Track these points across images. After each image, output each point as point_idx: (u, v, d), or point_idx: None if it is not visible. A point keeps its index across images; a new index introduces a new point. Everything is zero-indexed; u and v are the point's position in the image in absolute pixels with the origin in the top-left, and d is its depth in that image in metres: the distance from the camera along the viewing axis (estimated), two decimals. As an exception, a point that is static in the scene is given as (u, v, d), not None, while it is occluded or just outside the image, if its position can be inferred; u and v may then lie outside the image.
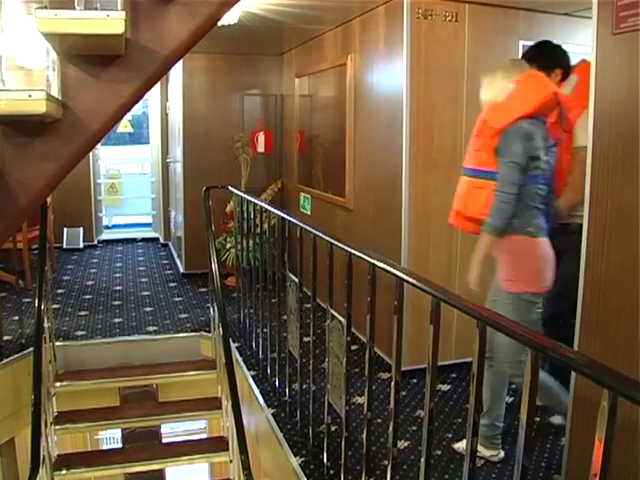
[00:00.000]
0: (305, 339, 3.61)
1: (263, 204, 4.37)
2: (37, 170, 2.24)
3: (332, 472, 3.18)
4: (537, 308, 3.13)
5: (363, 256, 2.51)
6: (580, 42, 4.08)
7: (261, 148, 7.17)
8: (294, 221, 3.64)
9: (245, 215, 4.89)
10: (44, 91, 1.81)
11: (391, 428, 2.45)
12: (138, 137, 14.78)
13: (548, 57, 3.61)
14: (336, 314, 2.84)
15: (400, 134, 4.20)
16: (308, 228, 3.29)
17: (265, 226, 4.67)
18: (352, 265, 2.74)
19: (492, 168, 3.05)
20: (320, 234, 3.07)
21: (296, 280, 3.51)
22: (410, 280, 2.15)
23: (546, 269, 3.11)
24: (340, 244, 2.79)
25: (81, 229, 8.98)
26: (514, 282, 3.12)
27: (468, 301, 1.88)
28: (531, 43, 3.84)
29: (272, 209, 4.19)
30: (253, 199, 4.55)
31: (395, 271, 2.25)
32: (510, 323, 1.77)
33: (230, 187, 5.15)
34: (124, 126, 10.80)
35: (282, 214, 3.93)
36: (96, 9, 2.00)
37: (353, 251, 2.63)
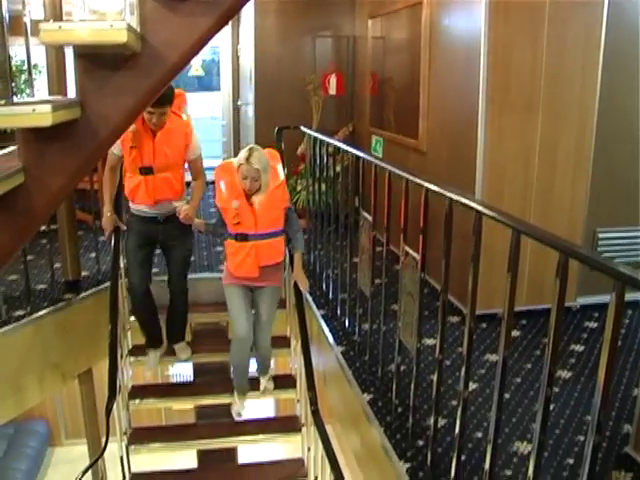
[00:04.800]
0: (376, 281, 3.62)
1: (336, 142, 4.35)
2: (116, 103, 2.27)
3: (400, 410, 3.21)
4: None
5: (440, 190, 2.48)
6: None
7: (333, 90, 7.11)
8: (368, 158, 3.62)
9: (317, 157, 4.88)
10: (125, 21, 1.83)
11: (463, 371, 2.44)
12: (208, 84, 14.79)
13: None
14: (410, 250, 2.82)
15: (477, 75, 4.09)
16: (383, 165, 3.26)
17: (337, 168, 4.65)
18: (428, 201, 2.70)
19: None
20: (396, 170, 3.04)
21: (369, 218, 3.50)
22: (489, 213, 2.11)
23: None
24: (417, 179, 2.75)
25: (153, 170, 9.08)
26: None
27: (549, 232, 1.83)
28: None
29: (346, 147, 4.16)
30: (326, 138, 4.53)
31: (474, 204, 2.21)
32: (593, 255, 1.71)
33: (302, 128, 5.14)
34: (195, 69, 10.82)
35: (356, 151, 3.90)
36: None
37: (430, 186, 2.59)
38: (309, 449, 4.23)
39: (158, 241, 4.33)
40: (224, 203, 3.81)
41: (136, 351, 4.69)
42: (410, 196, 3.00)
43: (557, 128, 4.20)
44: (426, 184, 2.63)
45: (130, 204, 4.29)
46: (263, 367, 4.43)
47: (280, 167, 3.94)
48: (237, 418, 4.38)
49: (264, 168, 3.66)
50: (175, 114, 4.08)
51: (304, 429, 4.41)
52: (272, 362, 4.46)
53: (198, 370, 4.95)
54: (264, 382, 4.48)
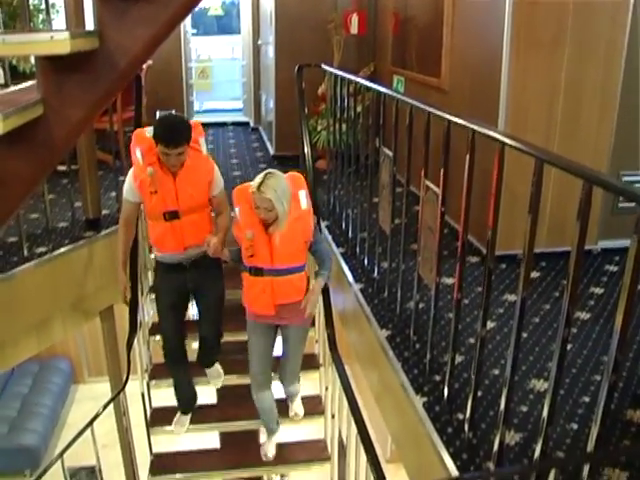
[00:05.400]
0: (396, 221, 3.61)
1: (358, 79, 4.29)
2: (134, 34, 2.26)
3: (418, 346, 3.24)
4: None
5: (462, 122, 2.44)
6: None
7: (354, 30, 6.97)
8: (390, 93, 3.56)
9: (338, 97, 4.82)
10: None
11: (482, 308, 2.44)
12: (228, 27, 14.65)
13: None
14: (431, 185, 2.80)
15: (502, 10, 3.98)
16: (405, 99, 3.21)
17: (358, 108, 4.60)
18: (450, 134, 2.67)
19: None
20: (418, 103, 2.99)
21: (390, 154, 3.47)
22: (512, 143, 2.08)
23: None
24: (439, 112, 2.71)
25: (173, 112, 9.06)
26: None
27: (573, 161, 1.80)
28: None
29: (367, 83, 4.10)
30: (347, 75, 4.46)
31: (496, 134, 2.18)
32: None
33: (323, 66, 5.07)
34: (214, 9, 10.69)
35: (378, 87, 3.84)
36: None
37: (452, 118, 2.55)
38: (327, 388, 4.30)
39: (189, 290, 3.94)
40: (239, 232, 3.44)
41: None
42: (431, 134, 2.97)
43: (584, 66, 4.10)
44: (448, 116, 2.59)
45: (155, 253, 4.00)
46: (289, 396, 4.24)
47: (304, 194, 3.45)
48: (265, 459, 4.21)
49: (279, 197, 3.19)
50: (194, 149, 3.64)
51: (322, 368, 4.48)
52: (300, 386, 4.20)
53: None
54: (293, 407, 4.31)
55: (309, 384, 4.96)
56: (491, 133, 2.23)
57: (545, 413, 2.10)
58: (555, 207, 3.98)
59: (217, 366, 4.38)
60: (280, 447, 4.33)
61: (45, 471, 4.06)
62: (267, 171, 3.27)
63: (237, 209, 3.42)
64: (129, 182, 3.59)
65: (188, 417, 4.33)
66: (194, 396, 4.32)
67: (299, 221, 3.38)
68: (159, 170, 3.52)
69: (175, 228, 3.62)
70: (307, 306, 3.51)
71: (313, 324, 3.96)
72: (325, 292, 3.87)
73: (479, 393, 2.67)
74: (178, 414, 4.32)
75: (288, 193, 3.25)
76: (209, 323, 4.02)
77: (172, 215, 3.60)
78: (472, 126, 2.34)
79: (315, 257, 3.56)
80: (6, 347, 4.27)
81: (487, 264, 2.38)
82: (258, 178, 3.20)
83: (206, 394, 4.67)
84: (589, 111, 4.18)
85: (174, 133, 3.40)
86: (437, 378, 2.97)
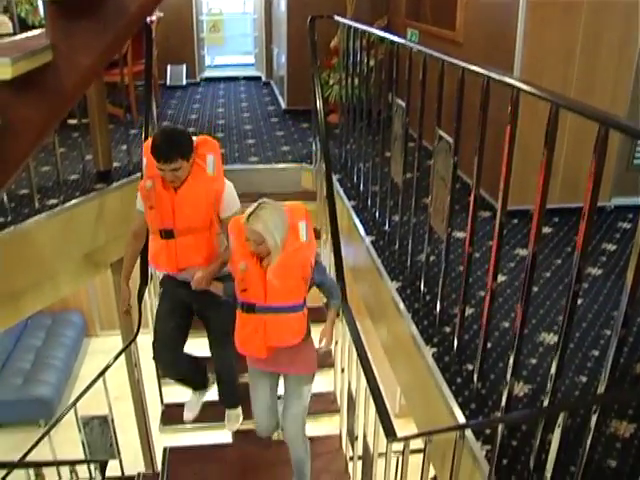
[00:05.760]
0: (408, 175, 3.58)
1: (372, 29, 4.22)
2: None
3: (428, 298, 3.24)
4: None
5: (477, 69, 2.40)
6: None
7: (367, -19, 6.86)
8: (404, 42, 3.50)
9: (350, 50, 4.76)
10: None
11: (492, 260, 2.43)
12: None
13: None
14: (444, 134, 2.77)
15: (519, -40, 3.89)
16: (419, 47, 3.15)
17: (371, 62, 4.54)
18: (464, 82, 2.63)
19: None
20: (431, 52, 2.94)
21: (403, 105, 3.43)
22: (526, 88, 2.04)
23: None
24: (453, 59, 2.67)
25: (184, 66, 9.01)
26: (314, 363, 3.39)
27: (588, 105, 1.77)
28: None
29: (380, 33, 4.04)
30: (360, 26, 4.40)
31: (511, 80, 2.14)
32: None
33: (336, 17, 4.99)
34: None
35: (392, 36, 3.77)
36: None
37: (467, 65, 2.50)
38: (336, 342, 4.32)
39: (193, 310, 3.71)
40: (232, 263, 3.13)
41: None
42: (445, 86, 2.92)
43: (602, 19, 4.00)
44: (462, 64, 2.55)
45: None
46: (296, 474, 3.69)
47: (304, 226, 3.07)
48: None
49: (270, 230, 2.87)
50: (198, 166, 3.32)
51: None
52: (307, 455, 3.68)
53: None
54: None
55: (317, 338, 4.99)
56: (505, 79, 2.20)
57: (554, 366, 2.09)
58: (569, 163, 3.94)
59: (238, 410, 4.12)
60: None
61: (59, 419, 4.14)
62: (261, 200, 2.95)
63: (232, 237, 3.13)
64: (138, 191, 3.45)
65: (199, 398, 4.16)
66: (201, 375, 4.06)
67: (296, 255, 3.00)
68: (159, 185, 3.31)
69: (170, 247, 3.38)
70: (324, 339, 3.25)
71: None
72: (336, 242, 3.84)
73: (488, 345, 2.68)
74: (191, 395, 4.16)
75: (282, 225, 2.94)
76: (217, 356, 3.77)
77: (168, 234, 3.36)
78: (486, 72, 2.30)
79: (322, 290, 3.26)
80: (19, 299, 4.31)
81: (500, 213, 2.36)
82: (250, 208, 2.91)
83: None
84: (606, 68, 4.09)
85: (166, 147, 3.16)
86: (447, 330, 2.98)
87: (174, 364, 3.79)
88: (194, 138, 3.33)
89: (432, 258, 3.35)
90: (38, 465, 2.12)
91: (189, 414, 4.13)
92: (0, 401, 7.91)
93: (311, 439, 4.60)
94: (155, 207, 3.33)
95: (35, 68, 2.34)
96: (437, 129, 2.85)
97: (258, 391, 3.44)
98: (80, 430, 4.06)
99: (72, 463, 2.40)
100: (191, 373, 3.97)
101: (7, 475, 3.46)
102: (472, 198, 2.58)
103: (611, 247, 3.87)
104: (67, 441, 4.11)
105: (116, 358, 4.21)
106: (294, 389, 3.36)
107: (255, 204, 2.91)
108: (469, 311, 3.05)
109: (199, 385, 4.10)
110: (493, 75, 2.27)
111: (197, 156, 3.31)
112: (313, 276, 3.06)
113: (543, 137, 1.97)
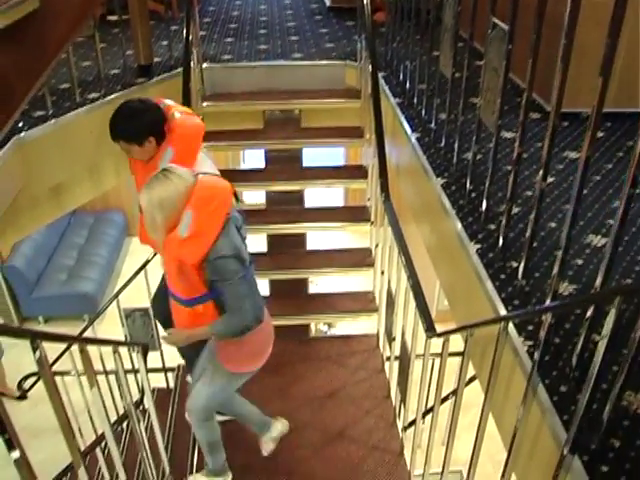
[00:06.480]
0: (456, 74, 3.46)
1: None
2: None
3: (473, 195, 3.17)
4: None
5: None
6: None
7: None
8: None
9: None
10: None
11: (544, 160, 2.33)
12: None
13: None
14: (498, 21, 2.62)
15: None
16: None
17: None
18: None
19: None
20: None
21: (452, -6, 3.27)
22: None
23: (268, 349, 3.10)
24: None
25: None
26: (235, 364, 3.00)
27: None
28: None
29: None
30: None
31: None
32: None
33: None
34: None
35: None
36: None
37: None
38: (377, 245, 4.30)
39: None
40: None
41: (209, 137, 4.70)
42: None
43: None
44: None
45: None
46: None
47: (190, 217, 2.53)
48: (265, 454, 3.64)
49: (153, 205, 2.52)
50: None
51: (373, 228, 4.46)
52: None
53: (270, 158, 4.96)
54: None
55: (360, 238, 4.98)
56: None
57: (602, 268, 2.01)
58: (626, 67, 3.76)
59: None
60: (329, 297, 4.39)
61: (103, 309, 4.24)
62: (165, 167, 2.61)
63: None
64: None
65: None
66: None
67: (169, 246, 2.61)
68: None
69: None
70: (169, 333, 2.97)
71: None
72: (379, 136, 3.72)
73: (534, 244, 2.61)
74: None
75: (170, 205, 2.52)
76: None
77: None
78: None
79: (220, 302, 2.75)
80: (62, 192, 4.35)
81: (554, 111, 2.25)
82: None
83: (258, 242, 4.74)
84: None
85: (110, 126, 2.94)
86: (492, 227, 2.91)
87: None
88: (178, 115, 3.04)
89: (478, 157, 3.25)
90: (84, 341, 2.17)
91: None
92: (46, 296, 8.14)
93: (349, 337, 4.70)
94: (133, 174, 3.25)
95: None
96: (491, 16, 2.71)
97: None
98: (122, 322, 4.15)
99: (115, 344, 2.46)
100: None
101: (65, 351, 3.72)
102: (526, 87, 2.46)
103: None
104: (110, 334, 4.21)
105: (156, 253, 4.24)
106: (207, 368, 3.12)
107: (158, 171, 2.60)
108: (515, 210, 2.98)
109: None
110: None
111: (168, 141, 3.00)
112: (211, 278, 2.66)
113: (600, 36, 1.84)
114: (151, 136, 2.95)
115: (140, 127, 2.93)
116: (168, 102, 3.14)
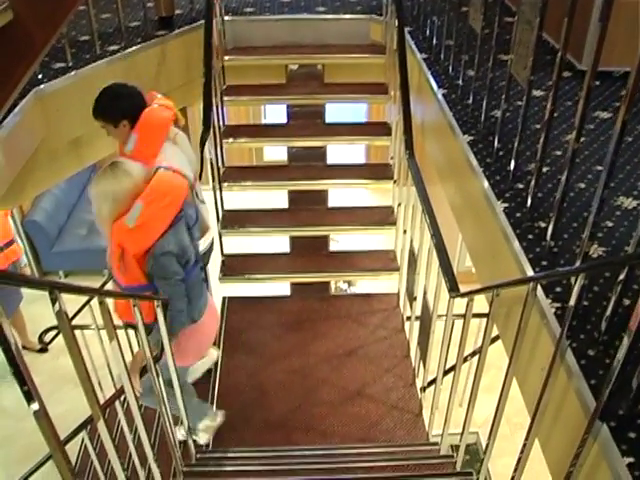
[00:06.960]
0: (485, 31, 3.36)
1: None
2: None
3: (501, 153, 3.09)
4: None
5: None
6: None
7: None
8: None
9: None
10: None
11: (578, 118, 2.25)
12: None
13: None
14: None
15: None
16: None
17: None
18: None
19: None
20: None
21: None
22: None
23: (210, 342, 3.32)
24: None
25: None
26: (180, 358, 3.03)
27: None
28: None
29: None
30: None
31: None
32: None
33: None
34: None
35: None
36: None
37: None
38: (399, 204, 4.24)
39: None
40: None
41: (230, 91, 4.64)
42: None
43: None
44: None
45: None
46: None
47: (138, 208, 2.62)
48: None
49: (100, 197, 2.64)
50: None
51: (396, 187, 4.39)
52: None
53: (292, 113, 4.89)
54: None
55: (381, 196, 4.91)
56: None
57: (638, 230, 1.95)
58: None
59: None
60: (349, 255, 4.36)
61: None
62: (113, 160, 2.71)
63: None
64: None
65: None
66: None
67: (117, 232, 2.66)
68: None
69: None
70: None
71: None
72: (404, 91, 3.67)
73: (564, 205, 2.55)
74: None
75: (114, 199, 2.62)
76: None
77: None
78: None
79: None
80: (82, 146, 4.31)
81: (591, 69, 2.17)
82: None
83: (278, 198, 4.71)
84: None
85: (95, 103, 3.23)
86: (520, 186, 2.84)
87: None
88: (155, 107, 3.31)
89: (507, 115, 3.17)
90: (103, 294, 2.16)
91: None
92: (67, 250, 8.15)
93: (369, 296, 4.68)
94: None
95: None
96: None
97: None
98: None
99: (134, 297, 2.46)
100: None
101: (86, 304, 3.92)
102: (561, 45, 2.37)
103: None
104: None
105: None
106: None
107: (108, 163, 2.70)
108: (544, 169, 2.90)
109: None
110: None
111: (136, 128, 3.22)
112: (151, 272, 2.73)
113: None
114: (125, 120, 3.21)
115: (117, 109, 3.21)
116: (158, 96, 3.45)
